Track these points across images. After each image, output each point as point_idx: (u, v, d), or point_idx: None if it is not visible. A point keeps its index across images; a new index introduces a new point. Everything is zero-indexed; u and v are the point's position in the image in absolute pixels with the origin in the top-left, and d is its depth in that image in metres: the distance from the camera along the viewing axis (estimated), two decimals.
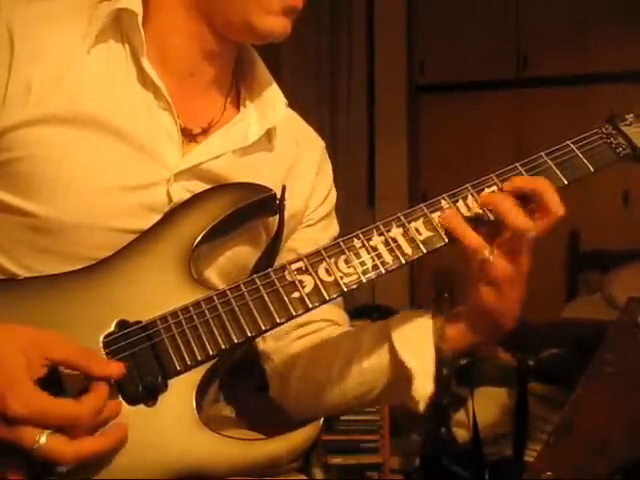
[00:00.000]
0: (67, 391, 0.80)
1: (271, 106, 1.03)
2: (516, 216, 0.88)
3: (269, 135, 1.04)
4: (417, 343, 0.96)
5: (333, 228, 1.15)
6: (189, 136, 0.99)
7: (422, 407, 0.95)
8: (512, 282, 0.90)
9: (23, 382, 0.75)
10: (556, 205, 0.89)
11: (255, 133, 1.02)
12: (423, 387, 0.94)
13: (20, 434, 0.75)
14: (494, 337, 0.96)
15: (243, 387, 1.15)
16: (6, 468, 0.76)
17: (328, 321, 1.11)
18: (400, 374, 0.97)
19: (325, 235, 1.11)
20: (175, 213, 0.94)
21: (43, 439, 0.75)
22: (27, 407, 0.74)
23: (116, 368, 0.82)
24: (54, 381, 0.79)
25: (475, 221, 0.91)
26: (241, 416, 1.14)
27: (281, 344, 1.09)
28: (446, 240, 0.91)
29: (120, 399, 0.83)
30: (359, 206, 4.20)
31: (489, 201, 0.91)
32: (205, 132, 1.00)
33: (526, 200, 0.91)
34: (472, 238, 0.89)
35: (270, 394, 1.13)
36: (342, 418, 2.64)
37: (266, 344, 1.10)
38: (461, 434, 2.84)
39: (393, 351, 0.97)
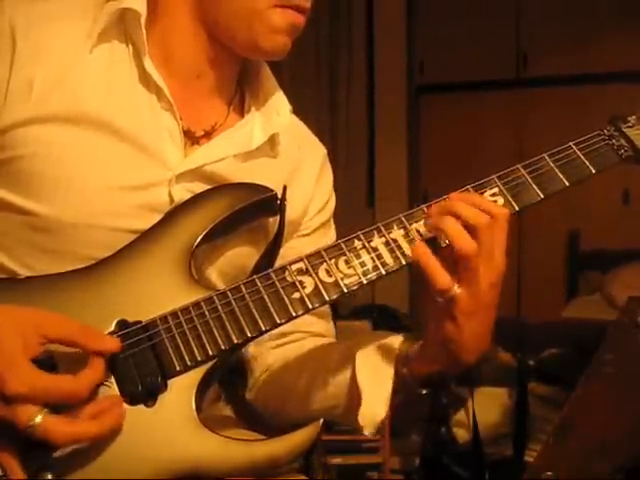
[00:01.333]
0: (58, 363, 0.81)
1: (275, 112, 1.03)
2: (457, 233, 0.85)
3: (272, 141, 1.04)
4: (377, 368, 0.94)
5: (330, 236, 1.14)
6: (192, 138, 0.99)
7: (367, 432, 0.94)
8: (471, 315, 0.86)
9: (20, 361, 0.76)
10: (494, 208, 0.87)
11: (259, 138, 1.01)
12: (371, 413, 0.93)
13: (17, 412, 0.75)
14: (454, 370, 0.92)
15: (243, 387, 1.15)
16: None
17: (310, 332, 1.11)
18: (358, 397, 0.95)
19: (320, 244, 1.12)
20: (175, 213, 0.94)
21: (39, 418, 0.75)
22: (24, 385, 0.75)
23: (112, 343, 0.82)
24: (49, 366, 0.79)
25: (435, 247, 0.87)
26: (240, 416, 1.14)
27: (261, 350, 1.10)
28: (447, 242, 0.90)
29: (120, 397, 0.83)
30: (359, 206, 4.20)
31: (435, 224, 0.87)
32: (208, 135, 1.00)
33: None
34: (442, 277, 0.85)
35: (246, 395, 1.13)
36: None
37: (248, 348, 1.10)
38: (461, 434, 2.84)
39: (354, 371, 0.96)
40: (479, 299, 0.86)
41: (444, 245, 0.87)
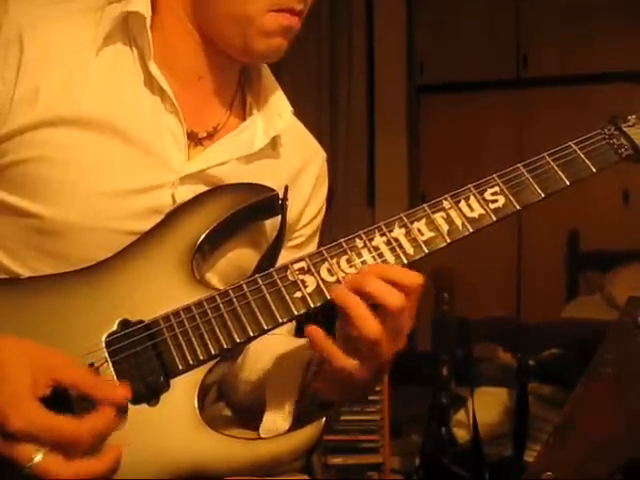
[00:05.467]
0: (73, 400, 0.80)
1: (277, 114, 1.03)
2: (364, 322, 0.82)
3: (274, 142, 1.04)
4: (286, 377, 0.95)
5: (313, 247, 1.14)
6: (195, 140, 0.99)
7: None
8: (369, 374, 0.86)
9: (26, 398, 0.75)
10: (410, 279, 0.84)
11: (261, 141, 1.02)
12: (274, 427, 0.92)
13: (16, 449, 0.74)
14: (345, 398, 0.93)
15: None
16: None
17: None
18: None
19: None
20: (177, 213, 0.94)
21: (39, 457, 0.74)
22: (26, 423, 0.74)
23: (122, 394, 0.82)
24: (61, 392, 0.79)
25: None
26: (241, 415, 1.14)
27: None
28: (448, 241, 0.90)
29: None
30: (359, 206, 4.20)
31: (341, 301, 0.84)
32: (210, 136, 1.01)
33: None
34: (372, 326, 0.82)
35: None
36: (342, 418, 2.64)
37: None
38: (461, 434, 2.84)
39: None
40: (380, 365, 0.86)
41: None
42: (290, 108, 1.05)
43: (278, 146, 1.05)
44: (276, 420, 0.93)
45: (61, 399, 0.78)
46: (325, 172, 1.15)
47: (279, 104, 1.04)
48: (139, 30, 0.95)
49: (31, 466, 0.74)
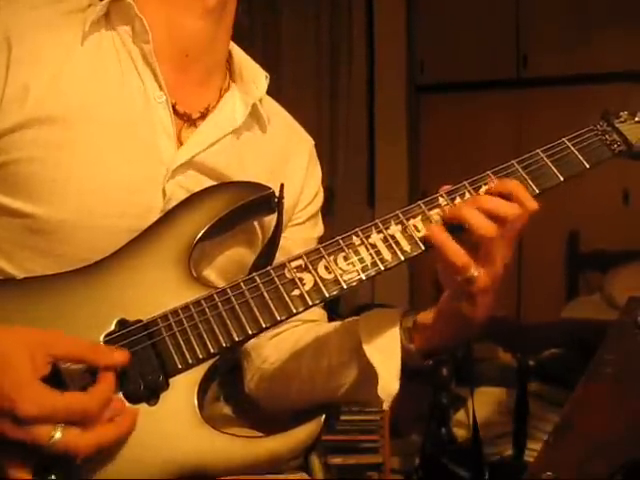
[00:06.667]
0: (70, 389, 0.80)
1: (252, 82, 1.04)
2: (478, 221, 0.87)
3: (257, 116, 1.05)
4: (384, 343, 0.96)
5: (319, 228, 1.17)
6: (189, 121, 1.00)
7: (386, 406, 0.95)
8: (487, 292, 0.89)
9: (30, 382, 0.76)
10: (528, 200, 0.88)
11: (241, 112, 1.03)
12: (388, 387, 0.94)
13: (34, 433, 0.75)
14: (460, 342, 0.96)
15: (242, 385, 1.15)
16: (11, 466, 0.77)
17: (303, 320, 1.11)
18: (366, 373, 0.97)
19: (312, 233, 1.13)
20: (174, 211, 0.94)
21: (58, 434, 0.75)
22: (37, 406, 0.75)
23: (120, 356, 0.82)
24: (57, 382, 0.79)
25: (452, 229, 0.89)
26: (239, 415, 1.15)
27: (258, 341, 1.11)
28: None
29: (122, 398, 0.83)
30: (359, 206, 4.20)
31: (454, 214, 0.90)
32: (204, 116, 1.01)
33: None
34: (459, 256, 0.87)
35: (245, 388, 1.14)
36: (342, 418, 2.64)
37: None
38: (461, 434, 2.84)
39: (360, 350, 0.97)
40: (495, 277, 0.88)
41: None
42: (264, 73, 1.06)
43: (262, 120, 1.06)
44: (390, 383, 0.94)
45: (55, 383, 0.79)
46: (315, 158, 1.17)
47: (252, 72, 1.05)
48: (129, 17, 0.96)
49: (52, 444, 0.75)
